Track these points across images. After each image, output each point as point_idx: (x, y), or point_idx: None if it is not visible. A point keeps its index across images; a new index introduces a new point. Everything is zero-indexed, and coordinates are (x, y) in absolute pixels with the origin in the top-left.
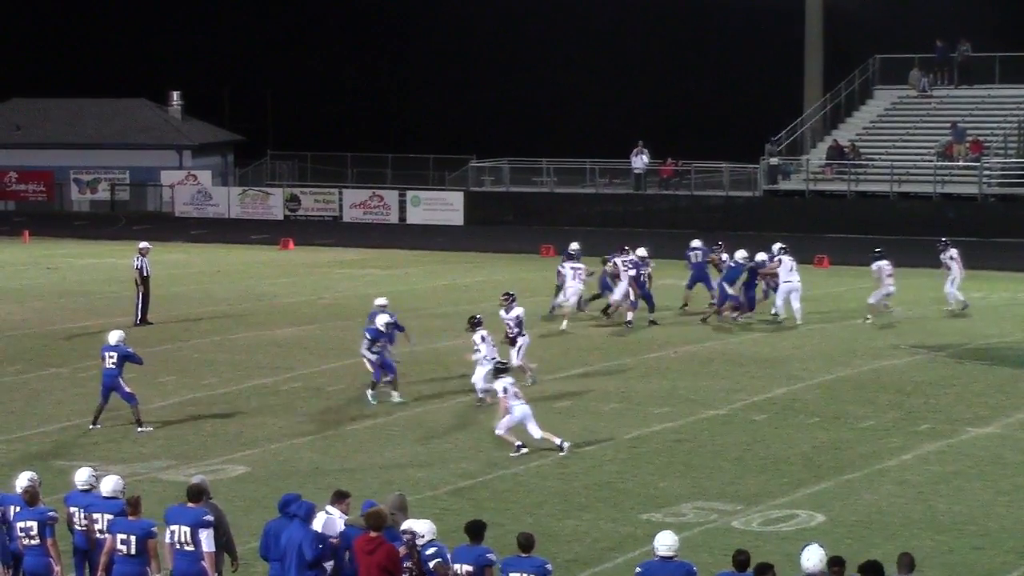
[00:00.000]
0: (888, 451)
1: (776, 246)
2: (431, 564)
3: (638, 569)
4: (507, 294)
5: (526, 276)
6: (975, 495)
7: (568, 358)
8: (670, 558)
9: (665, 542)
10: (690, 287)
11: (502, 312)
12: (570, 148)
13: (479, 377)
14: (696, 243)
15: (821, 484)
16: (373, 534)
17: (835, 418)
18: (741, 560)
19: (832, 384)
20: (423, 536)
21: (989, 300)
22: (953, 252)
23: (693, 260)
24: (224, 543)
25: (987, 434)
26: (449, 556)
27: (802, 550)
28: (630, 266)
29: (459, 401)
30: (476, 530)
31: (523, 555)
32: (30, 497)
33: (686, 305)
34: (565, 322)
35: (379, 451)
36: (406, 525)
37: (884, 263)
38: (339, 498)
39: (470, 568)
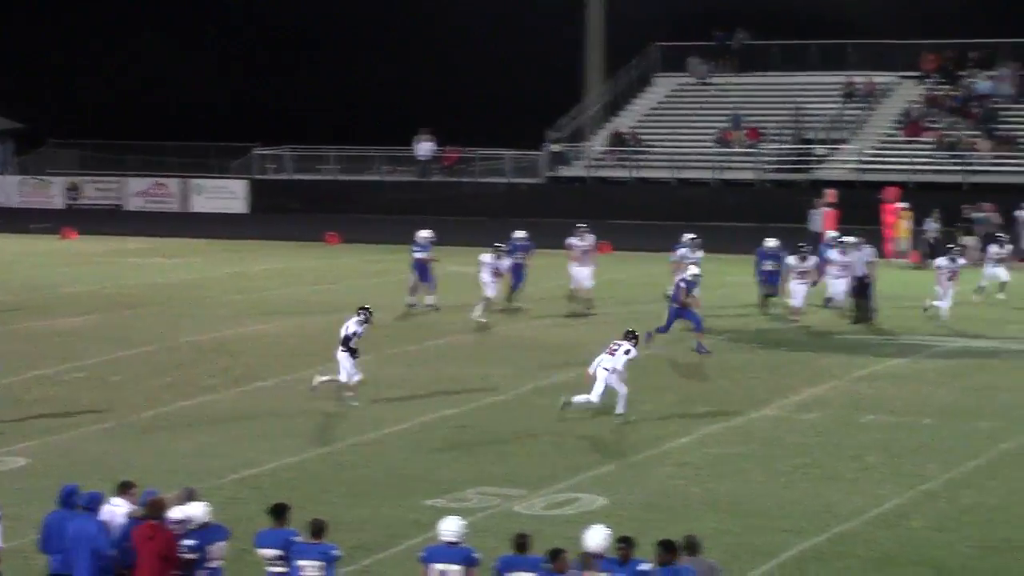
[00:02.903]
0: (668, 434)
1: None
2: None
3: (422, 554)
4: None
5: (312, 264)
6: (753, 476)
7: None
8: (454, 543)
9: (449, 527)
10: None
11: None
12: (354, 135)
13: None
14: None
15: (603, 468)
16: (153, 522)
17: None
18: (520, 543)
19: None
20: (193, 520)
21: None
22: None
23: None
24: None
25: (764, 416)
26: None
27: (585, 532)
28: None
29: (242, 390)
30: (279, 512)
31: (313, 541)
32: None
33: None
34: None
35: (164, 441)
36: (178, 512)
37: (686, 250)
38: (124, 488)
39: (276, 552)
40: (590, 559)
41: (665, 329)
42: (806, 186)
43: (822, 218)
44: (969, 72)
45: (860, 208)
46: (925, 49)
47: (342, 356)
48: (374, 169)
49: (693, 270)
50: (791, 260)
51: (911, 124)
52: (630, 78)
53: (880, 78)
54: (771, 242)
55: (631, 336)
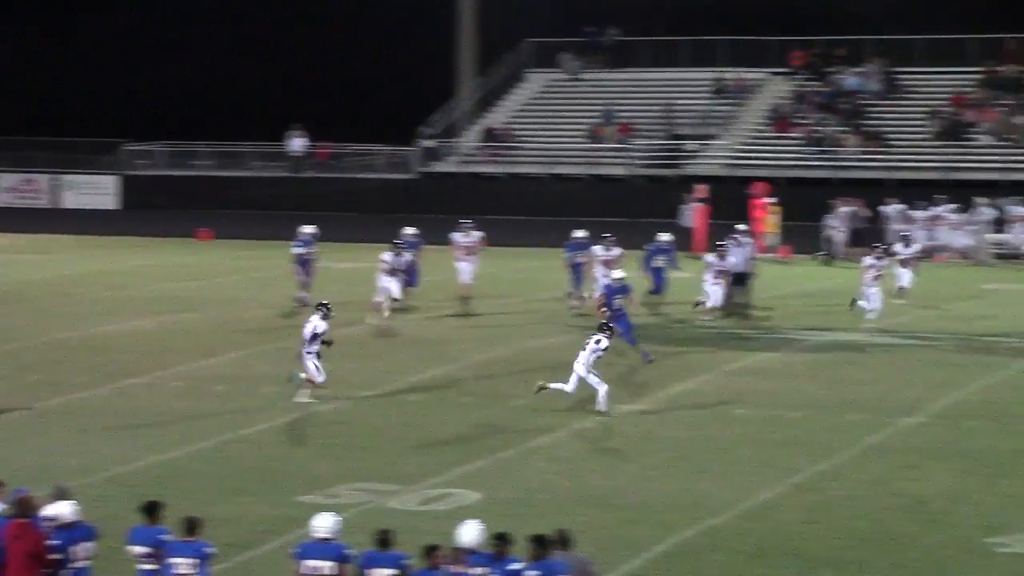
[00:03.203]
0: (541, 429)
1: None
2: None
3: (295, 550)
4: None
5: (183, 260)
6: (625, 470)
7: (227, 340)
8: (328, 540)
9: (322, 524)
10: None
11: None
12: (227, 131)
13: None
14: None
15: (476, 463)
16: (21, 520)
17: (489, 397)
18: (383, 539)
19: (486, 364)
20: (60, 519)
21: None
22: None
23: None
24: None
25: (636, 411)
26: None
27: (458, 527)
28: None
29: (114, 387)
30: (151, 510)
31: (186, 538)
32: None
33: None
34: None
35: (35, 439)
36: (49, 510)
37: (599, 248)
38: None
39: (147, 550)
40: (460, 554)
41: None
42: (677, 181)
43: (693, 213)
44: (836, 69)
45: (730, 204)
46: (794, 46)
47: (308, 357)
48: (246, 165)
49: (617, 274)
50: (709, 258)
51: (780, 120)
52: (502, 74)
53: (750, 75)
54: (664, 236)
55: (604, 328)
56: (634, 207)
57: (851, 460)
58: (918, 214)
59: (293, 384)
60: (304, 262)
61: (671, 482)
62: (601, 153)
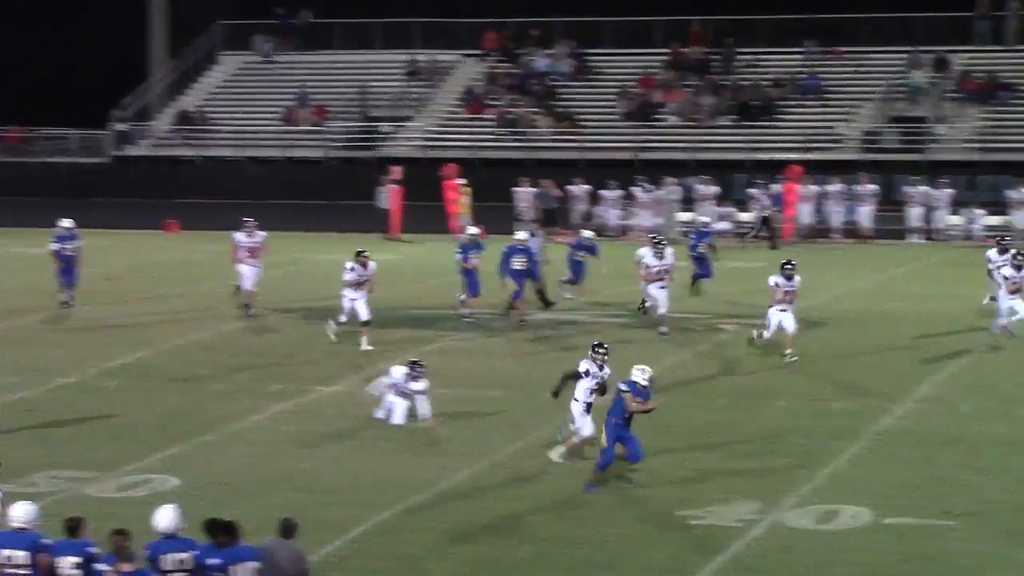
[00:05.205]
0: (239, 413)
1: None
2: None
3: None
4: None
5: None
6: (324, 453)
7: None
8: (22, 529)
9: (17, 513)
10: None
11: None
12: None
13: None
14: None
15: (175, 448)
16: None
17: (186, 381)
18: (71, 526)
19: (184, 348)
20: None
21: (323, 261)
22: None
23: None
24: None
25: (334, 392)
26: None
27: (155, 512)
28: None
29: None
30: None
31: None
32: None
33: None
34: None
35: None
36: None
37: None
38: None
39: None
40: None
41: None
42: (373, 163)
43: (388, 195)
44: (528, 50)
45: (426, 186)
46: (486, 27)
47: None
48: None
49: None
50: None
51: (474, 102)
52: (195, 56)
53: (443, 56)
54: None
55: (597, 351)
56: (330, 189)
57: (545, 437)
58: (609, 194)
59: None
60: (65, 258)
61: (371, 462)
62: (296, 135)
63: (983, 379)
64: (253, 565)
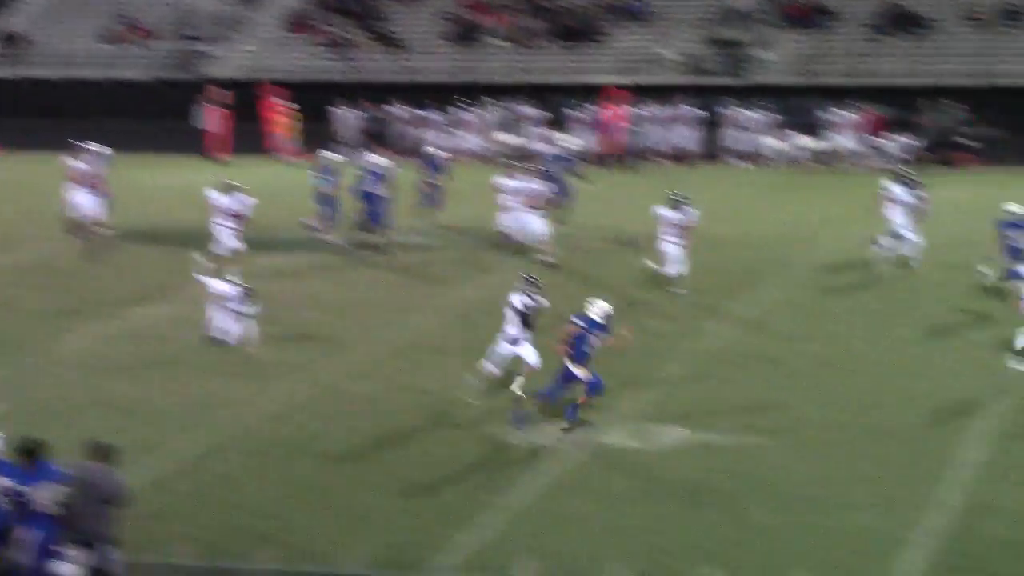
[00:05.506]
0: (58, 336)
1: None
2: None
3: None
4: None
5: None
6: (145, 375)
7: None
8: None
9: None
10: None
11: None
12: None
13: None
14: None
15: None
16: None
17: (5, 306)
18: None
19: (2, 272)
20: None
21: (171, 182)
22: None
23: None
24: None
25: (156, 313)
26: None
27: None
28: None
29: None
30: None
31: None
32: None
33: None
34: None
35: None
36: None
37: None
38: None
39: None
40: None
41: None
42: (195, 84)
43: (209, 116)
44: None
45: (247, 107)
46: None
47: None
48: None
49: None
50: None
51: (297, 23)
52: None
53: None
54: None
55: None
56: (152, 110)
57: (369, 358)
58: (435, 117)
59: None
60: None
61: (195, 387)
62: (118, 56)
63: (805, 299)
64: (55, 487)
